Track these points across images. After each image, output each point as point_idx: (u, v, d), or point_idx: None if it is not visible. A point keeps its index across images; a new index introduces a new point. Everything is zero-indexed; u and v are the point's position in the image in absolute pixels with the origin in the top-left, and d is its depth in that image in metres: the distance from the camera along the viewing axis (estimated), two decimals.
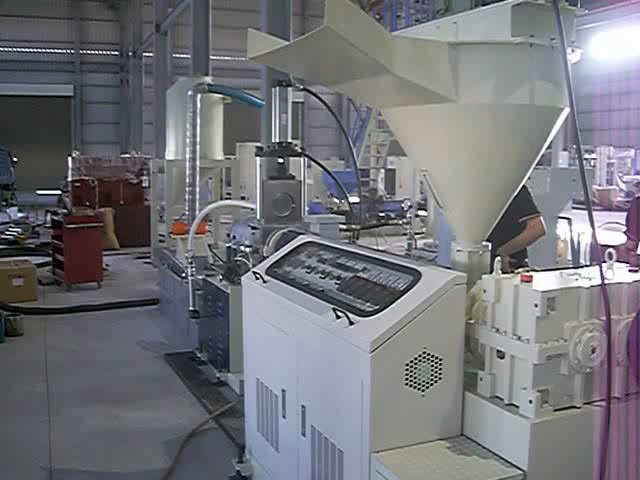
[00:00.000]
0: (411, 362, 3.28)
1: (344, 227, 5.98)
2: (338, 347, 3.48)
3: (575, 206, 10.40)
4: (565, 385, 3.24)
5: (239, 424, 5.76)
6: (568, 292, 3.20)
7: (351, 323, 3.40)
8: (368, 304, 3.57)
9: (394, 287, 3.57)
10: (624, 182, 35.21)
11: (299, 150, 6.59)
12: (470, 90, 3.38)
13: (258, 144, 25.87)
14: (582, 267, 3.76)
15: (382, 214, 21.32)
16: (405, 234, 17.29)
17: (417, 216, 19.08)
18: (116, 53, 39.29)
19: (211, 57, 19.03)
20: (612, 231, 8.68)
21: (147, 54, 31.69)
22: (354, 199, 20.39)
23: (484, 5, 3.49)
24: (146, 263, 14.76)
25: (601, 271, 3.30)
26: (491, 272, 3.52)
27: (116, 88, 39.28)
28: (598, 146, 34.74)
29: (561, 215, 10.28)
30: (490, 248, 3.94)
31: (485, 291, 3.38)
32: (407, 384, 3.29)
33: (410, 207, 7.78)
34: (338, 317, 3.49)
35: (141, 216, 15.85)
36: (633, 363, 3.30)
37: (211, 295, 7.54)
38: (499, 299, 3.32)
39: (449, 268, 3.77)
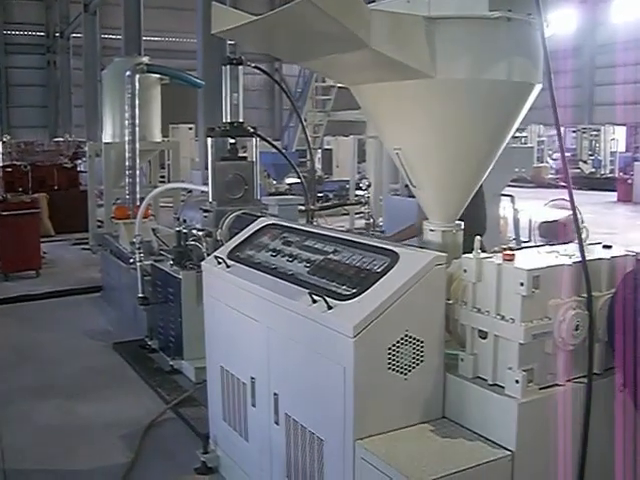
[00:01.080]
0: (393, 345, 3.20)
1: (300, 208, 5.85)
2: (316, 333, 3.37)
3: (509, 184, 10.48)
4: (549, 363, 3.20)
5: (199, 413, 5.64)
6: (552, 270, 3.16)
7: (329, 307, 3.29)
8: (344, 287, 3.46)
9: (370, 269, 3.48)
10: (554, 160, 35.94)
11: (251, 130, 6.42)
12: (446, 66, 3.30)
13: (191, 126, 25.52)
14: (538, 245, 3.72)
15: (320, 194, 21.22)
16: (346, 214, 17.28)
17: (356, 196, 19.05)
18: (42, 34, 38.04)
19: (143, 38, 18.65)
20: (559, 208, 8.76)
21: (75, 35, 30.88)
22: (294, 180, 20.38)
23: None
24: (84, 249, 14.35)
25: (581, 248, 3.27)
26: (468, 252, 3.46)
27: (43, 70, 38.11)
28: (529, 124, 35.30)
29: (503, 193, 10.36)
30: (463, 227, 3.88)
31: (465, 271, 3.31)
32: (390, 368, 3.20)
33: (368, 186, 7.70)
34: (314, 301, 3.38)
35: (77, 201, 15.40)
36: (616, 340, 3.28)
37: (160, 281, 7.33)
38: (480, 279, 3.26)
39: (422, 248, 3.70)
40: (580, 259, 3.27)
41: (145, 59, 12.43)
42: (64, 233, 15.66)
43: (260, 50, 3.84)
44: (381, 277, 3.32)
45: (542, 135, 36.07)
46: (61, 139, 22.30)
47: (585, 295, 3.25)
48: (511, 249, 3.49)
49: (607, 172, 32.72)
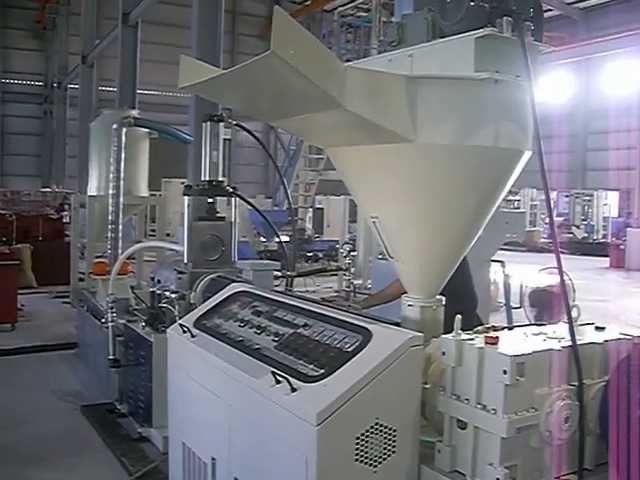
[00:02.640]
0: (362, 435, 2.89)
1: (278, 274, 5.57)
2: (278, 416, 3.06)
3: (501, 247, 10.24)
4: (535, 459, 2.90)
5: None
6: (539, 356, 2.87)
7: (293, 390, 2.99)
8: (311, 366, 3.16)
9: (340, 347, 3.18)
10: (545, 224, 35.88)
11: (230, 190, 6.17)
12: (428, 129, 3.05)
13: (184, 180, 25.46)
14: (542, 324, 3.44)
15: (310, 254, 20.99)
16: (335, 275, 17.00)
17: (345, 257, 18.83)
18: (40, 84, 38.13)
19: (138, 91, 18.60)
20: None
21: (72, 86, 30.92)
22: (283, 238, 20.13)
23: (442, 37, 3.18)
24: (65, 303, 13.98)
25: (572, 332, 2.99)
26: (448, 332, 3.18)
27: (39, 119, 38.10)
28: (522, 188, 35.28)
29: (494, 258, 10.12)
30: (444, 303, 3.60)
31: (444, 353, 3.02)
32: (357, 460, 2.89)
33: (350, 252, 7.42)
34: (278, 382, 3.08)
35: (61, 253, 15.07)
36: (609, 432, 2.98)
37: (133, 342, 7.00)
38: (460, 362, 2.97)
39: (398, 324, 3.41)
40: (570, 343, 2.99)
41: (134, 112, 12.26)
42: (47, 285, 15.32)
43: (233, 107, 3.60)
44: (351, 357, 3.02)
45: (535, 199, 36.07)
46: (48, 189, 22.10)
47: (576, 383, 2.96)
48: (495, 329, 3.22)
49: (600, 237, 32.64)
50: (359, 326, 3.23)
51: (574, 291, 8.57)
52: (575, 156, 39.08)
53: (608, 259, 25.61)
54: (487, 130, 3.10)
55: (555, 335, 3.12)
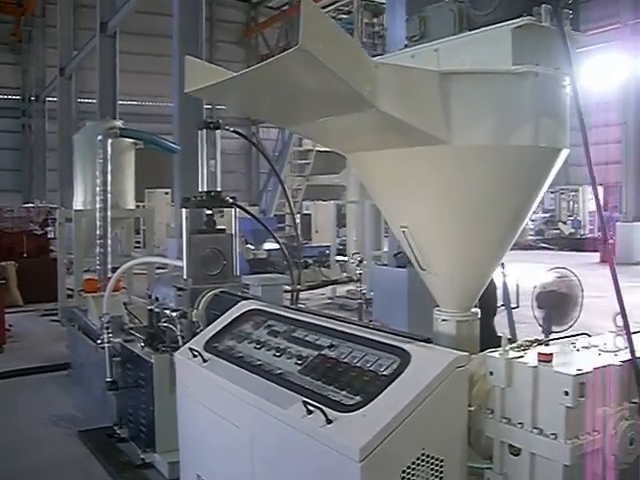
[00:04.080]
0: (408, 468, 2.62)
1: (288, 288, 5.29)
2: (312, 450, 2.78)
3: None
4: None
5: None
6: (599, 373, 2.60)
7: (329, 421, 2.70)
8: (344, 393, 2.89)
9: (375, 371, 2.91)
10: (532, 221, 35.79)
11: (230, 200, 5.88)
12: (464, 130, 2.80)
13: (167, 190, 25.05)
14: (579, 335, 3.19)
15: (301, 260, 20.67)
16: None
17: (337, 261, 18.58)
18: (18, 97, 37.56)
19: (119, 102, 18.31)
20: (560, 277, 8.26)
21: (51, 99, 30.53)
22: (272, 245, 19.87)
23: (471, 29, 2.92)
24: (53, 321, 13.59)
25: (631, 344, 2.73)
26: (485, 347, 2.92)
27: (18, 134, 37.55)
28: None
29: None
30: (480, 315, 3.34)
31: (492, 373, 2.75)
32: None
33: (361, 262, 7.22)
34: (310, 412, 2.80)
35: (47, 269, 14.72)
36: None
37: (131, 363, 6.68)
38: (511, 383, 2.70)
39: (428, 340, 3.13)
40: (628, 357, 2.73)
41: (118, 123, 11.96)
42: (33, 303, 14.93)
43: (240, 112, 3.33)
44: (390, 382, 2.75)
45: None
46: (31, 205, 21.70)
47: (637, 401, 2.70)
48: (539, 342, 2.97)
49: (587, 232, 32.57)
50: (393, 346, 2.96)
51: (582, 290, 8.38)
52: None
53: (597, 254, 25.49)
54: (526, 128, 2.85)
55: (607, 347, 2.86)
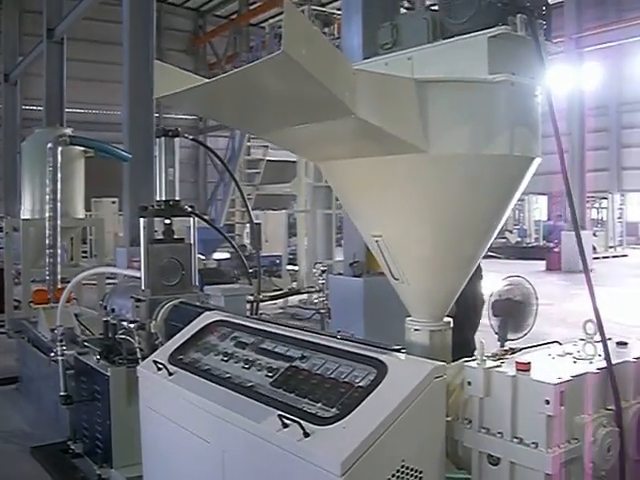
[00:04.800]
0: None
1: (250, 298, 5.22)
2: (289, 465, 2.71)
3: None
4: None
5: None
6: (577, 381, 2.60)
7: (306, 434, 2.65)
8: (320, 405, 2.83)
9: (350, 382, 2.86)
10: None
11: (188, 209, 5.79)
12: (441, 138, 2.78)
13: (114, 199, 24.68)
14: (551, 343, 3.20)
15: (251, 270, 20.53)
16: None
17: (287, 271, 18.52)
18: None
19: (66, 109, 17.99)
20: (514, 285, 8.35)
21: None
22: (223, 255, 19.70)
23: (445, 38, 2.91)
24: (0, 333, 13.25)
25: (607, 351, 2.74)
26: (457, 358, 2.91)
27: None
28: None
29: None
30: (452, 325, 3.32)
31: (470, 383, 2.73)
32: None
33: (323, 272, 7.14)
34: (286, 425, 2.74)
35: None
36: None
37: (85, 376, 6.51)
38: (489, 393, 2.68)
39: (399, 350, 3.09)
40: (604, 364, 2.74)
41: (68, 130, 11.73)
42: None
43: (206, 116, 3.25)
44: (368, 394, 2.70)
45: None
46: None
47: (612, 408, 2.71)
48: (513, 351, 2.97)
49: (532, 241, 33.09)
50: (368, 357, 2.91)
51: (537, 298, 8.47)
52: None
53: (543, 262, 25.90)
54: (502, 137, 2.85)
55: (582, 355, 2.87)
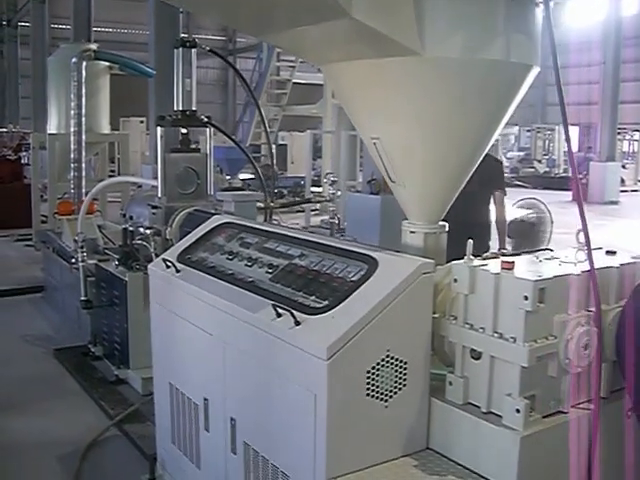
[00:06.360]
0: (373, 368, 2.72)
1: (261, 205, 5.34)
2: (280, 352, 2.87)
3: None
4: (553, 388, 2.76)
5: (145, 430, 5.11)
6: (558, 281, 2.70)
7: (297, 323, 2.80)
8: (313, 298, 2.97)
9: (344, 277, 2.99)
10: (508, 159, 35.93)
11: (205, 119, 5.88)
12: (437, 42, 2.83)
13: (142, 119, 24.64)
14: (543, 250, 3.28)
15: (275, 191, 20.66)
16: (301, 211, 16.75)
17: (311, 192, 18.60)
18: None
19: (93, 28, 17.91)
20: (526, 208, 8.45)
21: (23, 23, 29.79)
22: (248, 175, 19.82)
23: None
24: (27, 246, 13.59)
25: (590, 255, 2.83)
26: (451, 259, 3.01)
27: None
28: None
29: None
30: (447, 228, 3.42)
31: (456, 280, 2.84)
32: (369, 394, 2.72)
33: (334, 182, 7.23)
34: (279, 315, 2.89)
35: (20, 195, 14.60)
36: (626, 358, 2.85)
37: (105, 282, 6.76)
38: (474, 290, 2.80)
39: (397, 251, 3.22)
40: (587, 268, 2.83)
41: (93, 46, 11.75)
42: (7, 228, 14.86)
43: (218, 20, 3.32)
44: (357, 287, 2.83)
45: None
46: (4, 130, 21.33)
47: (593, 309, 2.81)
48: (504, 254, 3.07)
49: (561, 171, 32.78)
50: (362, 254, 3.04)
51: (552, 222, 8.53)
52: (535, 91, 38.99)
53: (570, 193, 25.73)
54: (498, 42, 2.89)
55: (568, 260, 2.96)
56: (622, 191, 26.02)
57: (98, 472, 4.74)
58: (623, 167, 27.89)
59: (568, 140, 2.91)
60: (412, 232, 3.34)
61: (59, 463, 4.84)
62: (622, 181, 26.77)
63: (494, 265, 2.79)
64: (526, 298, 2.57)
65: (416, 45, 2.78)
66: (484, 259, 2.94)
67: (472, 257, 2.85)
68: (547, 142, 34.94)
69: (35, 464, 4.85)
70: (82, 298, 6.89)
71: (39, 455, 4.96)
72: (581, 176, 26.24)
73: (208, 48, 5.87)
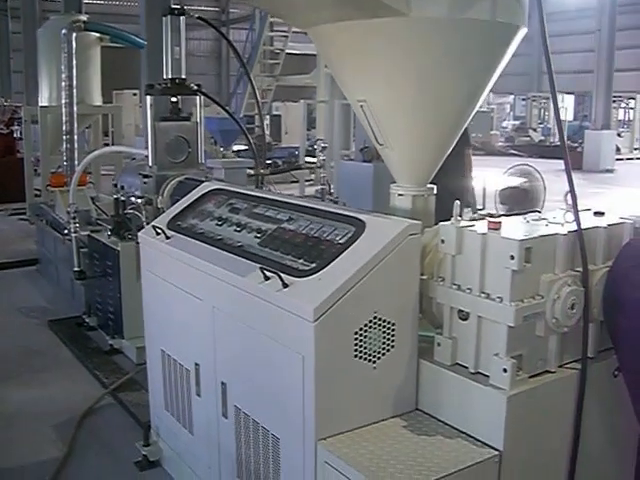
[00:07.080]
0: (361, 329, 2.73)
1: (251, 172, 5.33)
2: (268, 315, 2.88)
3: None
4: (540, 348, 2.78)
5: (140, 398, 5.13)
6: (545, 240, 2.71)
7: (285, 285, 2.80)
8: (301, 261, 2.97)
9: (331, 240, 2.99)
10: (503, 127, 35.85)
11: (194, 87, 5.85)
12: (423, 2, 2.80)
13: (135, 92, 24.43)
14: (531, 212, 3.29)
15: (269, 161, 20.60)
16: (296, 181, 16.71)
17: (306, 162, 18.53)
18: None
19: (84, 0, 17.72)
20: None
21: None
22: (241, 147, 19.73)
23: None
24: (22, 220, 13.56)
25: (577, 216, 2.84)
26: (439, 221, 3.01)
27: None
28: None
29: None
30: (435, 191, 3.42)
31: (443, 241, 2.85)
32: (357, 356, 2.74)
33: (324, 148, 7.18)
34: (267, 278, 2.89)
35: (13, 169, 14.53)
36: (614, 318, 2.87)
37: (98, 253, 6.76)
38: (461, 250, 2.80)
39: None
40: (574, 228, 2.84)
41: (83, 17, 11.65)
42: (1, 203, 14.83)
43: None
44: (345, 249, 2.84)
45: (492, 102, 35.88)
46: None
47: (580, 269, 2.82)
48: (491, 216, 3.06)
49: (556, 140, 32.69)
50: (349, 216, 3.03)
51: (545, 188, 8.51)
52: (531, 59, 38.76)
53: None
54: (485, 2, 2.86)
55: (556, 220, 2.96)
56: (617, 159, 25.98)
57: (93, 440, 4.76)
58: (618, 135, 27.83)
59: (555, 101, 2.88)
60: (400, 195, 3.34)
61: (55, 431, 4.87)
62: (617, 149, 26.71)
63: (481, 226, 2.79)
64: (512, 257, 2.58)
65: (402, 5, 2.76)
66: (471, 220, 2.94)
67: (459, 218, 2.85)
68: (542, 111, 34.80)
69: (31, 433, 4.87)
70: (75, 269, 6.90)
71: (35, 424, 4.98)
72: (576, 144, 26.21)
73: (197, 16, 5.82)
